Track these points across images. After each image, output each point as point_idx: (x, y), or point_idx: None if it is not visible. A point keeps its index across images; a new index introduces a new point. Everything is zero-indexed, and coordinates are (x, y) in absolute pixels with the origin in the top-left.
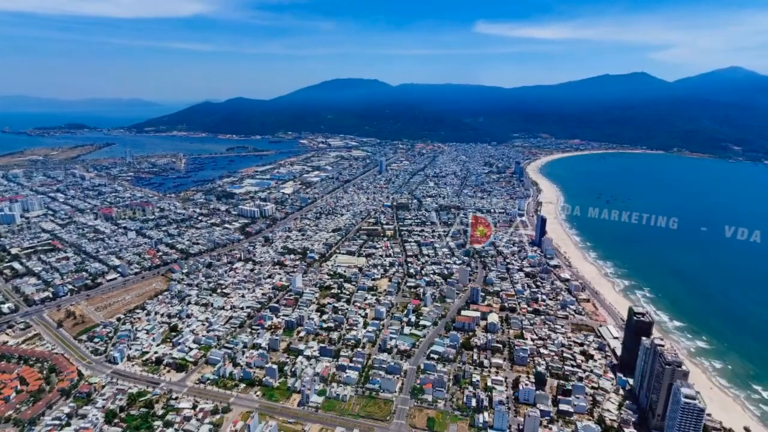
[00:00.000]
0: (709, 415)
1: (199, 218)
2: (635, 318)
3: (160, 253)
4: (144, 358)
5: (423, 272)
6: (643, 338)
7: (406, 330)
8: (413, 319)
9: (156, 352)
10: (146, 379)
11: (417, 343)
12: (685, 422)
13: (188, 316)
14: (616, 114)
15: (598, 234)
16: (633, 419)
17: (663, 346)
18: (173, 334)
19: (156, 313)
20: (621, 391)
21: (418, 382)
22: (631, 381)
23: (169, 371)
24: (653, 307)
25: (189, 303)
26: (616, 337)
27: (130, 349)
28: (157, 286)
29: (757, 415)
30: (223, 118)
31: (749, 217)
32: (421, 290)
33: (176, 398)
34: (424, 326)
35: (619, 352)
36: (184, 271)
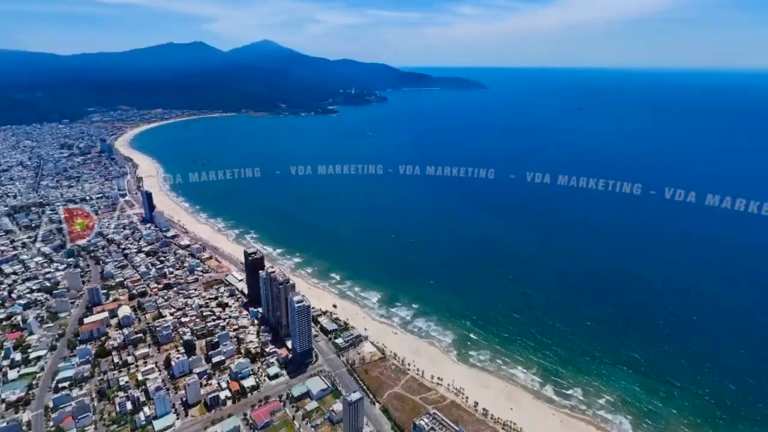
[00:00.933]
0: (313, 308)
1: None
2: (250, 258)
3: None
4: None
5: (14, 295)
6: (260, 271)
7: (12, 374)
8: (18, 357)
9: None
10: None
11: (35, 382)
12: (301, 321)
13: None
14: (190, 81)
15: (203, 196)
16: (269, 338)
17: (274, 271)
18: None
19: None
20: (255, 322)
21: (51, 423)
22: (260, 310)
23: None
24: (261, 244)
25: None
26: (241, 280)
27: None
28: None
29: (336, 293)
30: None
31: (302, 157)
32: (19, 318)
33: None
34: (39, 358)
35: (246, 290)
36: None
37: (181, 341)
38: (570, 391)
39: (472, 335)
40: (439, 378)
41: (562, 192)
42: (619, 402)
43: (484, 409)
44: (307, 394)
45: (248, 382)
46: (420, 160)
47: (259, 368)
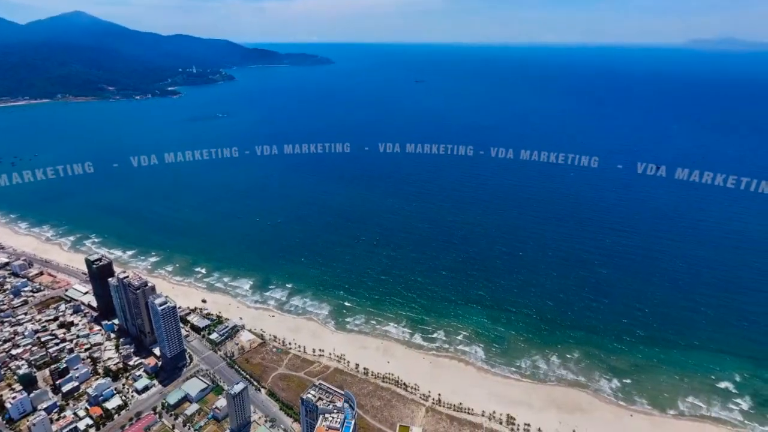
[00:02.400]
0: (180, 307)
1: None
2: (95, 266)
3: None
4: None
5: None
6: (109, 279)
7: None
8: None
9: None
10: None
11: None
12: (167, 324)
13: None
14: None
15: (19, 201)
16: (131, 350)
17: (127, 276)
18: None
19: None
20: (112, 335)
21: None
22: (116, 321)
23: None
24: (106, 249)
25: None
26: (87, 292)
27: None
28: None
29: (203, 287)
30: None
31: (144, 147)
32: None
33: None
34: None
35: (95, 303)
36: None
37: (16, 377)
38: (434, 335)
39: (346, 303)
40: (320, 350)
41: (410, 159)
42: (473, 335)
43: (364, 368)
44: (185, 398)
45: (113, 403)
46: (277, 140)
47: (124, 385)
